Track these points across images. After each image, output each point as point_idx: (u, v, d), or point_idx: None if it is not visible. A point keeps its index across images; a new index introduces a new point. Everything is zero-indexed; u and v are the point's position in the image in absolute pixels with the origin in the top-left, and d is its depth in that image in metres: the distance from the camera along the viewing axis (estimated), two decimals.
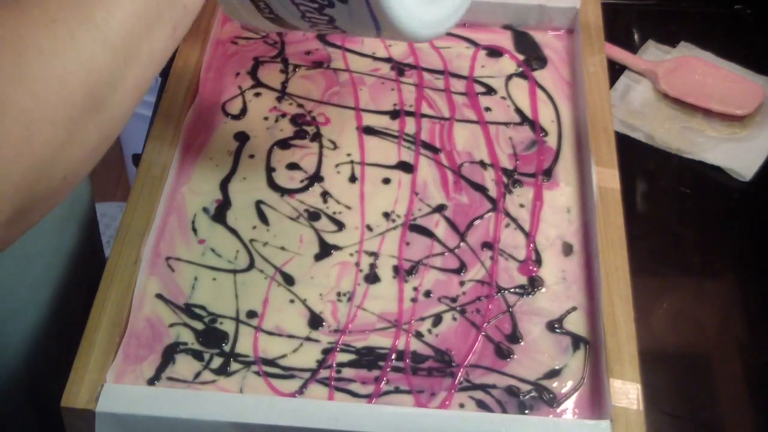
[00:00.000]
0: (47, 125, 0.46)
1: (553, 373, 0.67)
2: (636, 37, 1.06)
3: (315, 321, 0.69)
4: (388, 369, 0.67)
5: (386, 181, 0.78)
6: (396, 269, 0.72)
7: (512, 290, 0.71)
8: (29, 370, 0.79)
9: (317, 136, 0.81)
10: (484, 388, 0.66)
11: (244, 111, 0.82)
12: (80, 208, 0.84)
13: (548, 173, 0.79)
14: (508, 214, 0.76)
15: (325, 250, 0.73)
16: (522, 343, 0.68)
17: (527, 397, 0.66)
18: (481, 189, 0.77)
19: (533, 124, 0.82)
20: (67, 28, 0.47)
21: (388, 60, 0.87)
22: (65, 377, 0.63)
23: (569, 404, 0.65)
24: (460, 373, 0.67)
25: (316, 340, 0.68)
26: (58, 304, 0.79)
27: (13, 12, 0.46)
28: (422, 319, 0.69)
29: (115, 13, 0.48)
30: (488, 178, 0.78)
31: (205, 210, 0.75)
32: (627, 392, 0.64)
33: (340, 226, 0.75)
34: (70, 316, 0.80)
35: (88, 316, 0.66)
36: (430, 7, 0.62)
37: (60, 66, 0.47)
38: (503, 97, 0.84)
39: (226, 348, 0.68)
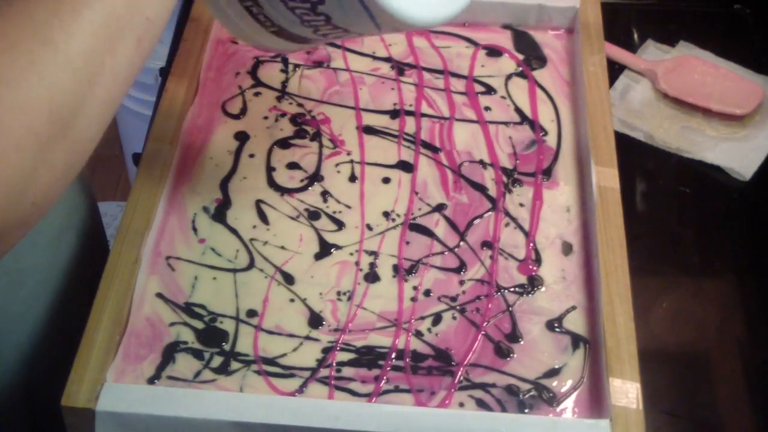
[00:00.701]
0: (13, 153, 0.46)
1: (553, 373, 0.67)
2: (635, 36, 1.06)
3: (315, 320, 0.69)
4: (388, 368, 0.67)
5: (386, 180, 0.78)
6: (396, 268, 0.72)
7: (512, 289, 0.71)
8: (24, 380, 0.77)
9: (317, 136, 0.81)
10: (483, 387, 0.66)
11: (244, 111, 0.82)
12: (78, 216, 0.82)
13: (548, 172, 0.79)
14: (507, 214, 0.76)
15: (325, 250, 0.73)
16: (522, 343, 0.69)
17: (527, 396, 0.66)
18: (480, 188, 0.77)
19: (533, 124, 0.82)
20: (28, 54, 0.46)
21: (388, 59, 0.87)
22: (62, 386, 0.62)
23: (569, 403, 0.65)
24: (459, 372, 0.67)
25: (316, 339, 0.68)
26: (56, 314, 0.78)
27: None
28: (422, 318, 0.70)
29: (74, 34, 0.47)
30: (488, 178, 0.78)
31: (205, 209, 0.75)
32: (626, 391, 0.64)
33: (340, 225, 0.75)
34: (68, 324, 0.79)
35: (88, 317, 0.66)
36: None
37: (23, 93, 0.46)
38: (503, 97, 0.84)
39: (227, 347, 0.68)
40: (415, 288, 0.71)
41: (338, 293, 0.71)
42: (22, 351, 0.77)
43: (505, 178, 0.78)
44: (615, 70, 1.00)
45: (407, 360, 0.67)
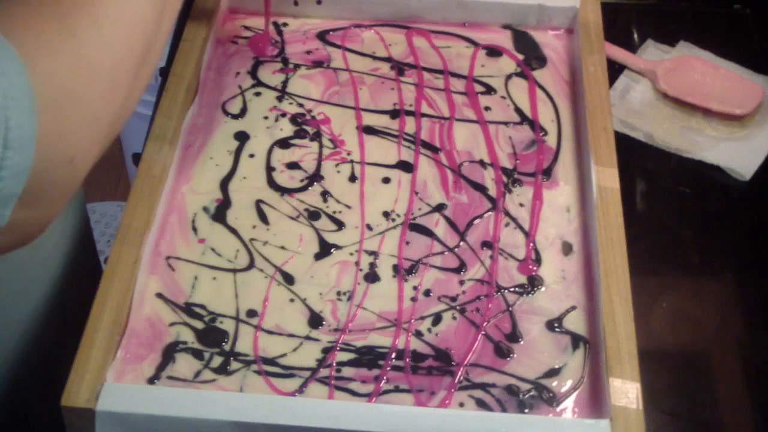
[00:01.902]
0: (123, 78, 0.56)
1: (553, 372, 0.67)
2: (635, 36, 1.06)
3: (315, 320, 0.69)
4: (387, 368, 0.67)
5: (386, 180, 0.78)
6: (396, 268, 0.72)
7: (512, 289, 0.71)
8: (39, 345, 0.79)
9: (317, 136, 0.81)
10: (483, 387, 0.66)
11: (244, 110, 0.82)
12: (77, 200, 0.85)
13: (548, 172, 0.79)
14: (507, 214, 0.76)
15: (325, 250, 0.73)
16: (522, 342, 0.69)
17: (527, 396, 0.66)
18: (480, 188, 0.77)
19: (533, 124, 0.82)
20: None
21: (388, 59, 0.87)
22: (61, 386, 0.63)
23: (569, 403, 0.65)
24: (459, 372, 0.67)
25: (316, 339, 0.68)
26: (66, 281, 0.81)
27: None
28: (422, 318, 0.70)
29: None
30: (488, 178, 0.78)
31: (205, 209, 0.75)
32: (626, 391, 0.64)
33: (340, 225, 0.75)
34: (76, 294, 0.81)
35: (86, 315, 0.66)
36: None
37: (126, 27, 0.55)
38: (503, 97, 0.84)
39: (226, 347, 0.68)
40: (415, 288, 0.71)
41: (338, 293, 0.71)
42: (39, 315, 0.79)
43: (505, 178, 0.78)
44: (615, 70, 1.00)
45: (407, 360, 0.67)
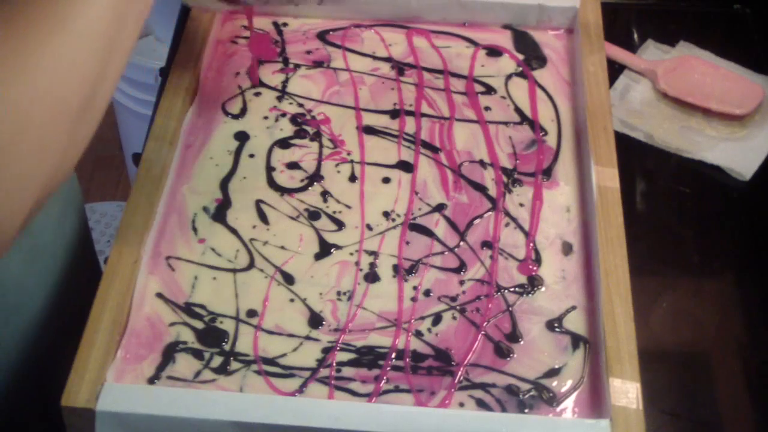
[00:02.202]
0: (57, 135, 0.51)
1: (553, 372, 0.67)
2: (635, 36, 1.06)
3: (315, 320, 0.69)
4: (387, 368, 0.67)
5: (386, 180, 0.78)
6: (396, 268, 0.72)
7: (512, 289, 0.71)
8: (35, 358, 0.79)
9: (317, 136, 0.81)
10: (483, 387, 0.66)
11: (244, 110, 0.82)
12: (74, 201, 0.85)
13: (548, 172, 0.79)
14: (507, 214, 0.76)
15: (325, 250, 0.73)
16: (522, 342, 0.69)
17: (527, 396, 0.66)
18: (480, 188, 0.77)
19: (533, 124, 0.82)
20: (59, 43, 0.50)
21: (388, 59, 0.87)
22: (61, 386, 0.63)
23: (569, 403, 0.65)
24: (459, 372, 0.67)
25: (316, 339, 0.68)
26: (63, 292, 0.80)
27: (6, 30, 0.49)
28: (422, 318, 0.70)
29: (93, 18, 0.52)
30: (488, 178, 0.78)
31: (205, 209, 0.75)
32: (626, 391, 0.64)
33: (340, 225, 0.75)
34: (74, 304, 0.80)
35: (86, 315, 0.66)
36: None
37: (60, 80, 0.51)
38: (503, 97, 0.84)
39: (226, 347, 0.68)
40: (415, 288, 0.71)
41: (338, 293, 0.71)
42: (35, 328, 0.78)
43: (505, 178, 0.78)
44: (615, 70, 1.00)
45: (407, 360, 0.67)
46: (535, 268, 0.73)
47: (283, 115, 0.82)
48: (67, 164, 0.53)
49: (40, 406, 0.82)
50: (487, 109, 0.83)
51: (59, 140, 0.51)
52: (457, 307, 0.70)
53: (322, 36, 0.89)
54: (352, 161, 0.79)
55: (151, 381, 0.66)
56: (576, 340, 0.69)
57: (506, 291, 0.71)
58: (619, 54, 1.02)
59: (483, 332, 0.69)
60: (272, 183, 0.77)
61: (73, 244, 0.83)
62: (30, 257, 0.76)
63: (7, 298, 0.75)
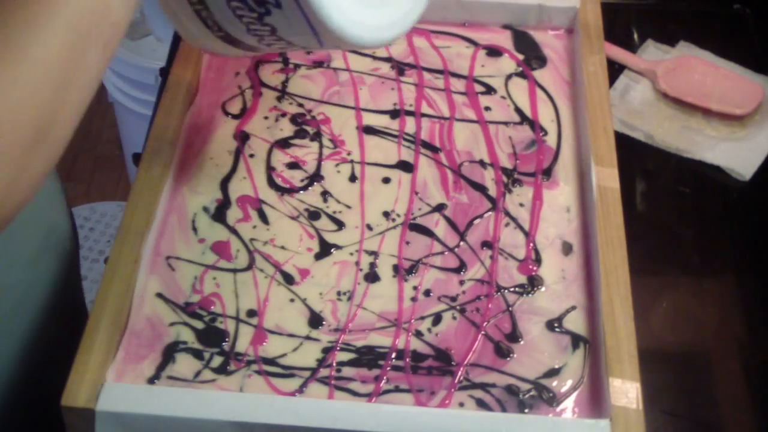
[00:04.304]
0: (3, 165, 0.48)
1: (553, 372, 0.67)
2: (635, 36, 1.06)
3: (315, 320, 0.69)
4: (388, 368, 0.67)
5: (386, 180, 0.78)
6: (396, 268, 0.72)
7: (512, 289, 0.71)
8: (7, 399, 0.76)
9: (317, 136, 0.81)
10: (483, 387, 0.66)
11: (244, 110, 0.82)
12: (56, 238, 0.82)
13: (548, 172, 0.79)
14: (507, 214, 0.76)
15: (325, 250, 0.73)
16: (522, 342, 0.69)
17: (527, 396, 0.66)
18: (480, 188, 0.77)
19: (533, 124, 0.82)
20: (9, 70, 0.48)
21: (388, 59, 0.87)
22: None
23: (569, 403, 0.65)
24: (459, 372, 0.67)
25: (316, 339, 0.68)
26: (36, 333, 0.78)
27: None
28: (422, 318, 0.70)
29: (49, 45, 0.49)
30: (488, 178, 0.78)
31: (205, 209, 0.75)
32: (626, 391, 0.64)
33: (340, 225, 0.75)
34: (48, 345, 0.78)
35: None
36: (371, 11, 0.61)
37: (8, 109, 0.48)
38: (503, 97, 0.84)
39: (226, 347, 0.68)
40: (415, 288, 0.71)
41: (338, 293, 0.71)
42: (5, 367, 0.75)
43: (505, 178, 0.78)
44: (615, 70, 1.00)
45: (407, 360, 0.67)
46: (535, 268, 0.73)
47: (283, 115, 0.82)
48: (15, 197, 0.50)
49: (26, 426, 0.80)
50: (487, 109, 0.83)
51: (5, 171, 0.48)
52: (457, 307, 0.70)
53: None
54: (352, 161, 0.79)
55: (151, 381, 0.66)
56: (576, 340, 0.69)
57: (506, 291, 0.71)
58: (619, 54, 1.02)
59: (483, 332, 0.69)
60: (272, 183, 0.77)
61: (48, 284, 0.80)
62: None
63: None
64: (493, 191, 0.77)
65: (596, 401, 0.65)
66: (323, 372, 0.66)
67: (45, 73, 0.49)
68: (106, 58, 0.53)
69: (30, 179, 0.50)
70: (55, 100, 0.50)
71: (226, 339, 0.68)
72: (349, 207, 0.76)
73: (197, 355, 0.67)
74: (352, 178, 0.78)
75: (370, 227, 0.75)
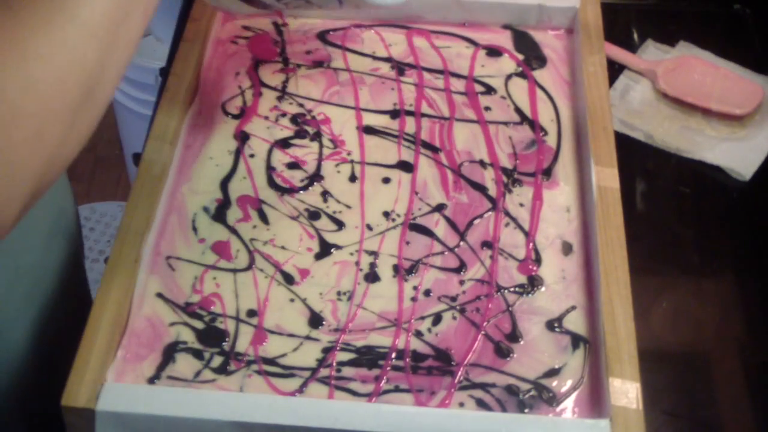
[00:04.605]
0: (53, 125, 0.50)
1: (553, 372, 0.67)
2: (635, 36, 1.06)
3: (315, 320, 0.69)
4: (388, 368, 0.67)
5: (386, 180, 0.78)
6: (396, 268, 0.72)
7: (512, 289, 0.71)
8: (20, 382, 0.78)
9: (317, 136, 0.81)
10: (483, 387, 0.66)
11: (243, 110, 0.82)
12: (65, 222, 0.83)
13: (548, 172, 0.79)
14: (507, 214, 0.76)
15: (325, 250, 0.73)
16: (522, 342, 0.69)
17: (527, 396, 0.66)
18: (480, 188, 0.77)
19: (533, 124, 0.82)
20: (60, 30, 0.50)
21: (388, 59, 0.87)
22: (60, 386, 0.62)
23: (569, 403, 0.65)
24: (459, 372, 0.67)
25: (316, 339, 0.68)
26: (48, 316, 0.79)
27: (5, 15, 0.48)
28: (422, 318, 0.70)
29: (96, 7, 0.51)
30: (488, 178, 0.78)
31: (205, 209, 0.75)
32: (626, 391, 0.64)
33: (340, 225, 0.75)
34: (58, 330, 0.79)
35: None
36: None
37: (58, 68, 0.50)
38: (503, 97, 0.84)
39: (227, 347, 0.68)
40: (415, 288, 0.71)
41: (338, 293, 0.71)
42: (17, 355, 0.77)
43: (505, 178, 0.78)
44: (615, 70, 1.00)
45: (407, 360, 0.67)
46: (535, 268, 0.73)
47: (283, 115, 0.82)
48: (64, 155, 0.52)
49: (25, 427, 0.81)
50: (487, 109, 0.83)
51: (55, 130, 0.50)
52: (457, 307, 0.70)
53: (322, 36, 0.89)
54: (352, 161, 0.79)
55: (151, 381, 0.66)
56: (576, 340, 0.69)
57: (506, 291, 0.71)
58: (619, 54, 1.02)
59: (483, 332, 0.69)
60: (272, 183, 0.77)
61: (60, 266, 0.81)
62: (13, 280, 0.75)
63: None
64: (493, 191, 0.77)
65: (596, 401, 0.65)
66: (323, 372, 0.67)
67: (92, 34, 0.51)
68: (146, 20, 0.56)
69: (77, 137, 0.53)
70: (101, 60, 0.52)
71: (226, 339, 0.68)
72: (349, 207, 0.76)
73: (197, 355, 0.67)
74: (352, 178, 0.78)
75: (370, 227, 0.75)
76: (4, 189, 0.49)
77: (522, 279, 0.72)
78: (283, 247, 0.73)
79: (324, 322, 0.69)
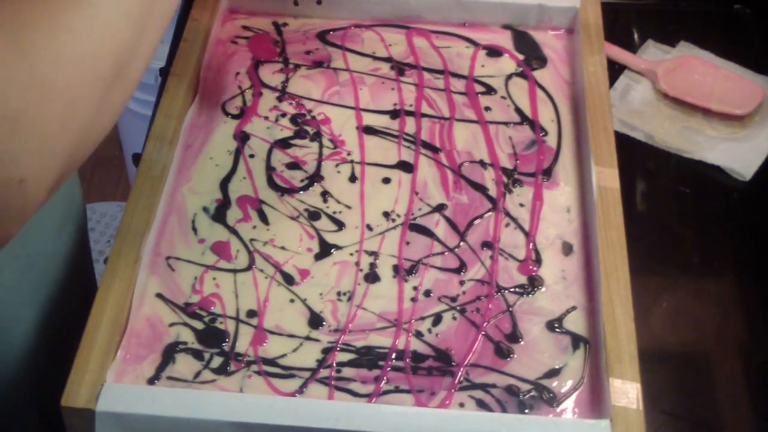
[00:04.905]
0: (84, 100, 0.51)
1: (553, 373, 0.67)
2: (636, 36, 1.06)
3: (315, 320, 0.69)
4: (388, 368, 0.67)
5: (386, 180, 0.78)
6: (396, 269, 0.72)
7: (512, 290, 0.71)
8: (31, 369, 0.79)
9: (317, 136, 0.81)
10: (484, 387, 0.66)
11: (243, 110, 0.82)
12: (75, 210, 0.84)
13: (548, 173, 0.79)
14: (507, 214, 0.76)
15: (325, 250, 0.73)
16: (522, 343, 0.68)
17: (527, 396, 0.66)
18: (481, 188, 0.77)
19: (533, 124, 0.82)
20: (92, 6, 0.51)
21: (388, 60, 0.87)
22: (65, 376, 0.63)
23: (569, 404, 0.65)
24: (460, 373, 0.67)
25: (316, 340, 0.68)
26: (57, 304, 0.80)
27: None
28: (422, 318, 0.70)
29: None
30: (488, 178, 0.78)
31: (205, 209, 0.75)
32: (627, 392, 0.64)
33: (340, 225, 0.75)
34: (67, 316, 0.80)
35: (86, 316, 0.66)
36: None
37: (90, 43, 0.50)
38: (503, 97, 0.84)
39: (226, 347, 0.68)
40: (415, 288, 0.71)
41: (338, 293, 0.71)
42: (29, 340, 0.78)
43: (505, 179, 0.78)
44: (615, 70, 1.00)
45: (407, 360, 0.67)
46: (535, 269, 0.73)
47: (283, 115, 0.82)
48: (95, 133, 0.53)
49: (36, 415, 0.82)
50: (487, 109, 0.83)
51: (87, 105, 0.51)
52: (458, 308, 0.70)
53: (322, 36, 0.89)
54: (352, 161, 0.79)
55: (151, 381, 0.66)
56: (576, 340, 0.69)
57: (506, 291, 0.71)
58: (620, 54, 1.02)
59: (483, 332, 0.69)
60: (272, 183, 0.77)
61: (69, 254, 0.82)
62: (25, 267, 0.76)
63: None
64: (493, 191, 0.77)
65: (596, 401, 0.65)
66: (323, 372, 0.66)
67: (125, 12, 0.52)
68: (173, 9, 0.57)
69: (108, 115, 0.54)
70: (133, 38, 0.53)
71: (226, 339, 0.68)
72: (349, 207, 0.76)
73: (197, 355, 0.67)
74: (352, 179, 0.78)
75: (370, 227, 0.75)
76: (38, 161, 0.49)
77: (522, 279, 0.72)
78: (283, 248, 0.73)
79: (324, 323, 0.69)
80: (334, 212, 0.75)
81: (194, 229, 0.74)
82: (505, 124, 0.82)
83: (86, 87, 0.51)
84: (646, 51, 1.04)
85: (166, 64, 0.89)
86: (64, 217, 0.82)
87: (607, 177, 0.75)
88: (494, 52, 0.88)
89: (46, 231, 0.78)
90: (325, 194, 0.77)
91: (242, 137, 0.80)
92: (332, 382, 0.66)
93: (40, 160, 0.49)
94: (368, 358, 0.67)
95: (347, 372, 0.67)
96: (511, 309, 0.70)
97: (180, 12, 0.94)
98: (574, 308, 0.70)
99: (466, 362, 0.67)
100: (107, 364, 0.64)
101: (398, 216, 0.75)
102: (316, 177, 0.78)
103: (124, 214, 0.72)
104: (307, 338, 0.68)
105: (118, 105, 0.54)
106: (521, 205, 0.76)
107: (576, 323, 0.70)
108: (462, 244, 0.74)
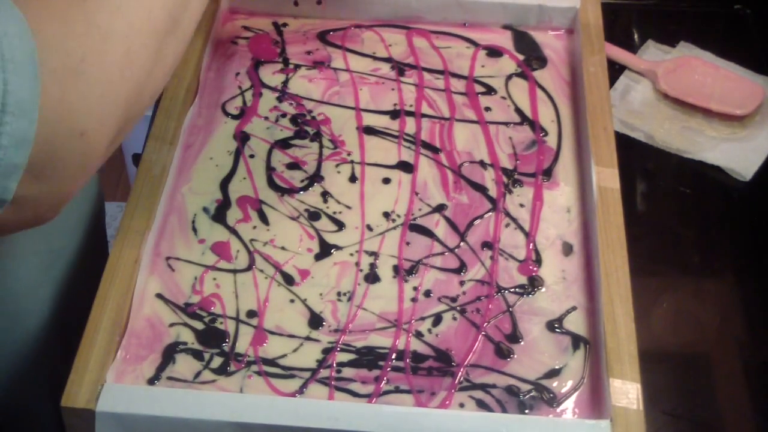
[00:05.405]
0: (142, 49, 0.52)
1: (553, 373, 0.67)
2: (636, 37, 1.06)
3: (315, 321, 0.69)
4: (388, 369, 0.67)
5: (386, 180, 0.78)
6: (396, 269, 0.72)
7: (512, 290, 0.71)
8: (47, 363, 0.80)
9: (317, 136, 0.81)
10: (484, 387, 0.66)
11: (244, 110, 0.82)
12: (94, 206, 0.85)
13: (548, 173, 0.79)
14: (508, 214, 0.76)
15: (325, 250, 0.73)
16: (522, 343, 0.68)
17: (527, 396, 0.66)
18: (481, 189, 0.77)
19: (533, 124, 0.82)
20: None
21: (389, 60, 0.87)
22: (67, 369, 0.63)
23: (569, 404, 0.65)
24: (460, 373, 0.67)
25: (317, 340, 0.68)
26: (75, 300, 0.80)
27: None
28: (422, 318, 0.70)
29: None
30: (488, 178, 0.78)
31: (205, 210, 0.75)
32: (627, 392, 0.64)
33: (340, 225, 0.75)
34: (84, 312, 0.81)
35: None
36: None
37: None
38: (503, 97, 0.84)
39: (226, 348, 0.68)
40: (415, 288, 0.71)
41: (338, 294, 0.71)
42: (49, 334, 0.78)
43: (505, 179, 0.78)
44: (615, 70, 1.00)
45: (407, 360, 0.67)
46: (535, 269, 0.72)
47: (284, 115, 0.82)
48: (151, 86, 0.54)
49: (51, 407, 0.82)
50: (487, 109, 0.83)
51: (143, 55, 0.52)
52: (458, 308, 0.70)
53: (322, 36, 0.89)
54: (352, 162, 0.79)
55: (151, 382, 0.66)
56: (576, 340, 0.69)
57: (506, 291, 0.71)
58: (620, 54, 1.02)
59: (483, 333, 0.69)
60: (272, 183, 0.77)
61: (89, 251, 0.83)
62: (47, 263, 0.76)
63: (18, 304, 0.75)
64: (493, 192, 0.77)
65: (597, 402, 0.65)
66: (323, 373, 0.66)
67: None
68: None
69: (162, 69, 0.55)
70: None
71: (226, 340, 0.68)
72: (349, 207, 0.76)
73: (197, 355, 0.67)
74: (352, 179, 0.78)
75: (370, 228, 0.75)
76: (98, 111, 0.49)
77: (522, 279, 0.72)
78: (283, 248, 0.73)
79: (324, 323, 0.69)
80: (334, 212, 0.75)
81: (194, 230, 0.74)
82: (505, 124, 0.82)
83: (143, 36, 0.52)
84: (646, 51, 1.04)
85: None
86: (86, 214, 0.82)
87: (607, 177, 0.75)
88: (494, 52, 0.88)
89: (68, 227, 0.78)
90: (325, 194, 0.77)
91: (242, 137, 0.80)
92: (332, 383, 0.66)
93: (100, 111, 0.50)
94: (368, 358, 0.67)
95: (347, 372, 0.67)
96: (511, 309, 0.70)
97: None
98: (574, 308, 0.70)
99: (466, 362, 0.67)
100: (107, 365, 0.64)
101: (398, 216, 0.75)
102: (316, 177, 0.78)
103: (124, 215, 0.72)
104: (307, 338, 0.68)
105: (171, 60, 0.55)
106: (521, 205, 0.76)
107: (576, 323, 0.70)
108: (462, 244, 0.74)
